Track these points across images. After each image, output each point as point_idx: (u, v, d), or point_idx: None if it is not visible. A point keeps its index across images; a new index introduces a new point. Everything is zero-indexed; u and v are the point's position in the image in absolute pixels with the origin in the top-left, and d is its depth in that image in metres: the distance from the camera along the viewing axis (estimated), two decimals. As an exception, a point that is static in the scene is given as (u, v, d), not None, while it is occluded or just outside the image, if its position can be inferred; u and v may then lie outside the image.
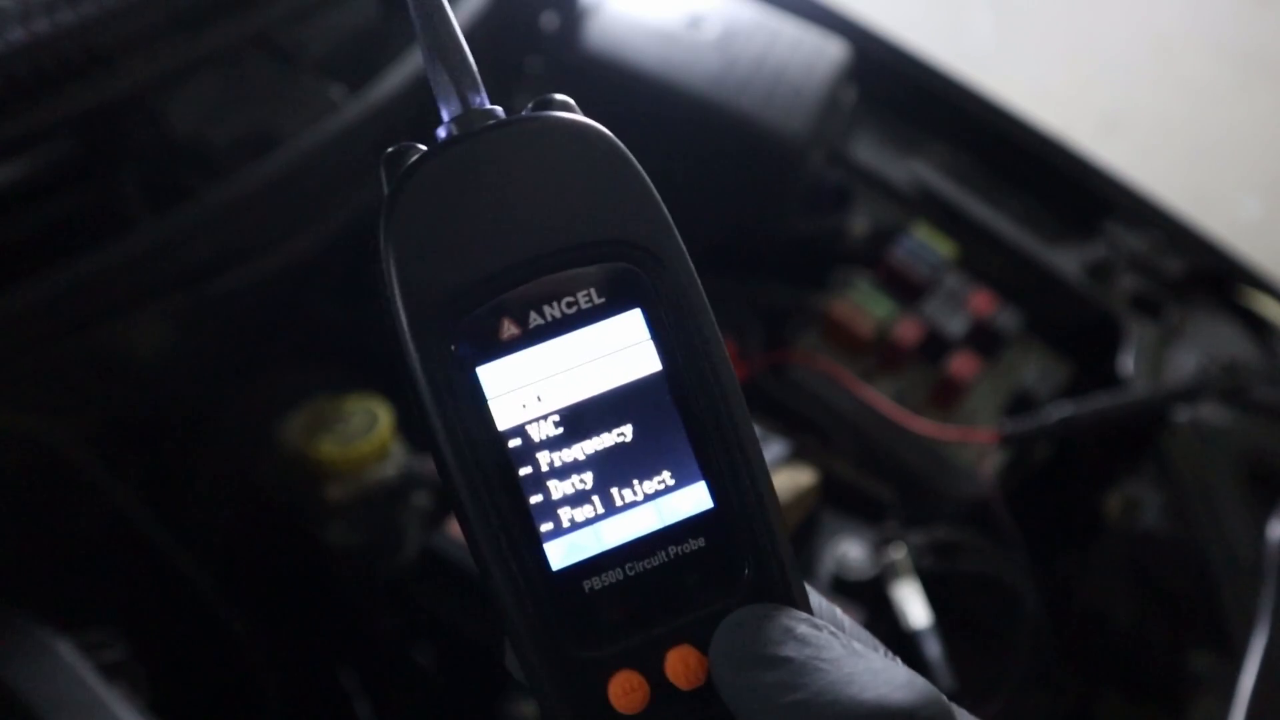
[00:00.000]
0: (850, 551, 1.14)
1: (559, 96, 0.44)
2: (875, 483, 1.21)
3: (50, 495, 1.09)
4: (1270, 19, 2.97)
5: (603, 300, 0.43)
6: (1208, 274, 1.34)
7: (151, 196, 1.04)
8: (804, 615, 0.42)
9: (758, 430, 1.23)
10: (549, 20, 1.33)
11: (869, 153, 1.41)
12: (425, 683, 1.18)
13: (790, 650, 0.40)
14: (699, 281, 0.43)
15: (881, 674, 0.39)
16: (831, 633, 0.41)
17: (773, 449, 1.16)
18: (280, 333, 1.24)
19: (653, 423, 0.43)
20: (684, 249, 0.43)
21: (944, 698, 0.39)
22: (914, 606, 1.10)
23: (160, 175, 1.05)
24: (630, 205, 0.43)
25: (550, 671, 0.42)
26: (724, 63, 1.28)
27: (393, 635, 1.19)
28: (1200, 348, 1.27)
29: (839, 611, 0.46)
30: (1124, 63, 2.86)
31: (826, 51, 1.31)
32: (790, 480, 1.14)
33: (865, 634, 0.45)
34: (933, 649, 1.08)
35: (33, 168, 1.01)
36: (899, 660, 0.44)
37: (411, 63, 1.14)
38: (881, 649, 0.44)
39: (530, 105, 0.44)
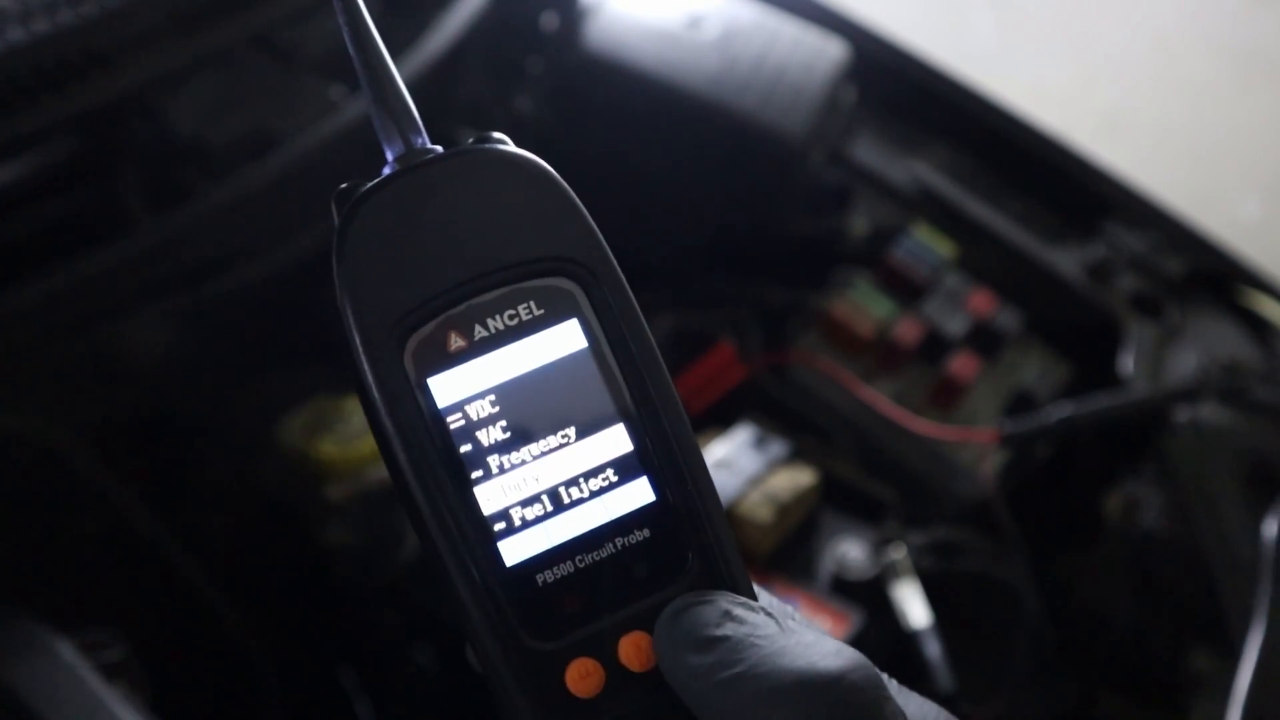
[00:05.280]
0: (850, 551, 1.14)
1: (495, 134, 0.48)
2: (875, 483, 1.21)
3: (50, 495, 1.09)
4: (1270, 19, 2.97)
5: (542, 312, 0.46)
6: (1208, 274, 1.34)
7: (151, 196, 1.04)
8: (740, 598, 0.44)
9: (757, 430, 1.23)
10: (549, 20, 1.33)
11: (869, 153, 1.41)
12: (425, 683, 1.18)
13: (726, 630, 0.43)
14: (630, 291, 0.47)
15: (812, 646, 0.42)
16: (767, 613, 0.44)
17: (773, 449, 1.16)
18: (280, 333, 1.24)
19: (594, 424, 0.46)
20: (615, 262, 0.47)
21: (871, 665, 0.42)
22: (914, 606, 1.10)
23: (160, 175, 1.05)
24: (563, 224, 0.46)
25: (510, 664, 0.44)
26: (724, 63, 1.28)
27: (393, 635, 1.19)
28: (1200, 348, 1.27)
29: (789, 607, 0.48)
30: (1124, 63, 2.85)
31: (826, 51, 1.31)
32: (790, 480, 1.14)
33: (815, 626, 0.47)
34: (933, 649, 1.08)
35: (33, 168, 1.01)
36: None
37: (411, 64, 1.14)
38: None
39: (469, 141, 0.48)
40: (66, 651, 0.90)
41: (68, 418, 1.08)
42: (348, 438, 1.15)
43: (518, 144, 0.48)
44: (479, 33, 1.22)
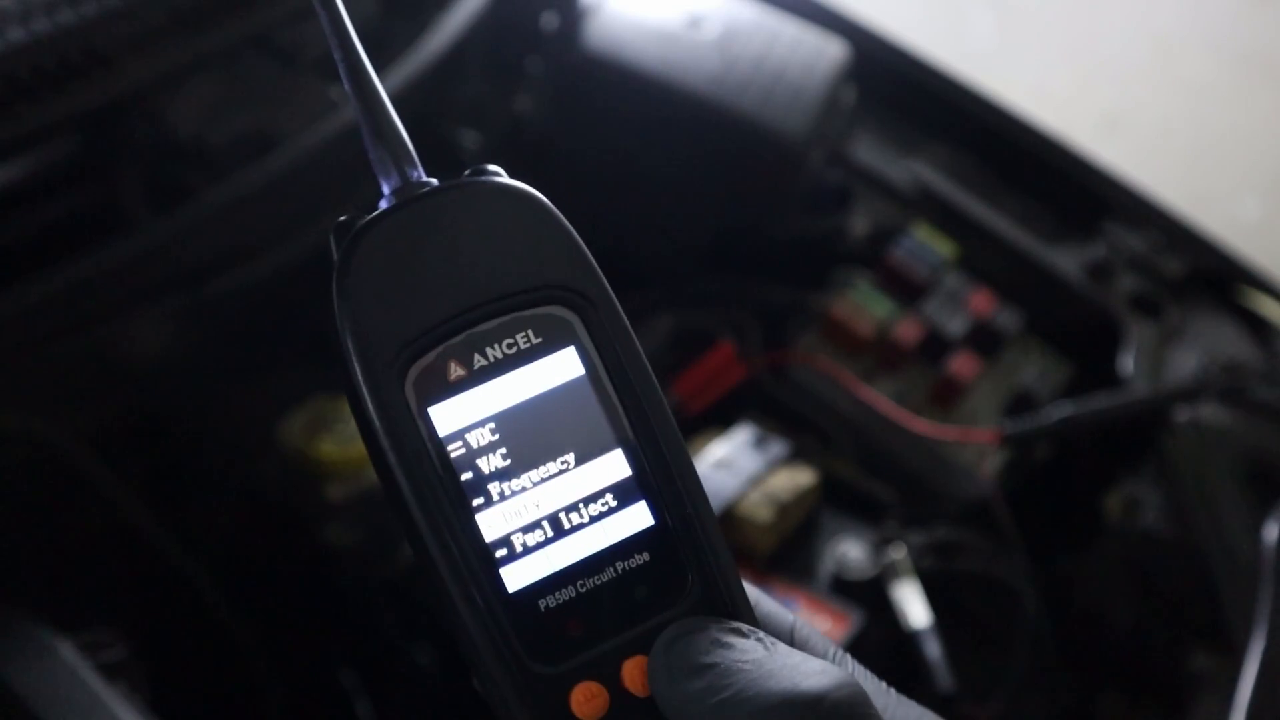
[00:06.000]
0: (850, 551, 1.14)
1: (490, 166, 0.49)
2: (875, 483, 1.21)
3: (50, 495, 1.09)
4: (1270, 19, 2.97)
5: (540, 340, 0.47)
6: (1208, 274, 1.34)
7: (151, 196, 1.04)
8: (730, 624, 0.45)
9: (757, 430, 1.23)
10: (549, 20, 1.33)
11: (869, 153, 1.41)
12: (425, 683, 1.18)
13: (715, 657, 0.44)
14: (625, 317, 0.48)
15: (797, 667, 0.43)
16: (758, 639, 0.45)
17: (773, 449, 1.16)
18: (280, 333, 1.24)
19: (592, 449, 0.47)
20: (609, 289, 0.48)
21: (858, 684, 0.43)
22: (914, 606, 1.10)
23: (160, 175, 1.05)
24: (558, 253, 0.47)
25: (515, 689, 0.45)
26: (724, 63, 1.28)
27: (393, 635, 1.19)
28: (1200, 348, 1.27)
29: (791, 615, 0.49)
30: (1124, 63, 2.85)
31: (826, 51, 1.31)
32: (790, 480, 1.14)
33: (816, 634, 0.48)
34: (933, 649, 1.08)
35: (33, 168, 1.01)
36: (850, 658, 0.48)
37: (411, 65, 1.14)
38: (832, 649, 0.48)
39: (466, 173, 0.49)
40: (66, 651, 0.90)
41: (68, 417, 1.08)
42: (348, 438, 1.15)
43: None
44: (479, 33, 1.22)
